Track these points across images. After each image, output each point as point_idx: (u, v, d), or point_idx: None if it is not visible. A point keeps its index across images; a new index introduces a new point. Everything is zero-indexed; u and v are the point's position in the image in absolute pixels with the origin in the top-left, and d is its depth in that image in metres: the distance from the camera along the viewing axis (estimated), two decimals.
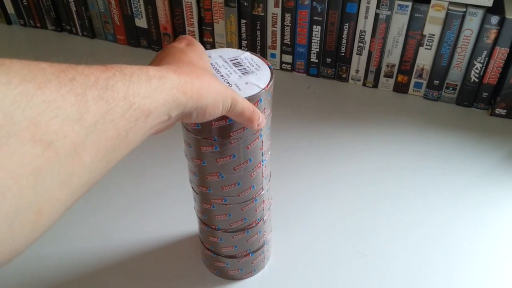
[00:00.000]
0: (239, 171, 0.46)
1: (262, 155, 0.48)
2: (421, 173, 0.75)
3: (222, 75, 0.42)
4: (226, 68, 0.43)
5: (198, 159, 0.46)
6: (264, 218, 0.55)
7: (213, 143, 0.44)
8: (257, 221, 0.54)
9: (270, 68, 0.44)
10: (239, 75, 0.42)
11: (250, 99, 0.40)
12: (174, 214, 0.68)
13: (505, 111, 0.86)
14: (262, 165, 0.49)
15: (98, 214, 0.69)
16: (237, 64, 0.44)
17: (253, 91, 0.41)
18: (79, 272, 0.61)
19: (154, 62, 0.35)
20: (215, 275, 0.60)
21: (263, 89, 0.41)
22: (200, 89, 0.32)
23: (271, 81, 0.43)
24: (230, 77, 0.42)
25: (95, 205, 0.70)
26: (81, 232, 0.66)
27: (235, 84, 0.41)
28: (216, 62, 0.43)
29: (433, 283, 0.59)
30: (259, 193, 0.51)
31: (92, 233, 0.66)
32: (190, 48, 0.38)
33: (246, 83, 0.41)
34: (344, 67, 0.95)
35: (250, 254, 0.57)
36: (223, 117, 0.40)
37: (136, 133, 0.27)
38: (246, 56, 0.45)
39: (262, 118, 0.41)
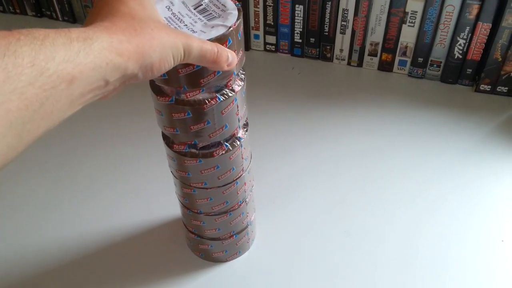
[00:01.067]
0: (215, 138, 0.46)
1: (239, 121, 0.47)
2: (406, 151, 0.76)
3: (186, 25, 0.39)
4: (190, 17, 0.40)
5: (171, 128, 0.45)
6: (247, 200, 0.55)
7: (185, 108, 0.43)
8: (239, 203, 0.54)
9: (237, 6, 0.41)
10: (204, 22, 0.40)
11: (217, 40, 0.37)
12: (157, 198, 0.68)
13: (489, 87, 0.86)
14: (241, 147, 0.48)
15: (83, 201, 0.69)
16: (202, 11, 0.41)
17: (219, 31, 0.38)
18: (64, 258, 0.61)
19: (90, 19, 0.31)
20: (200, 258, 0.60)
21: (230, 27, 0.39)
22: (139, 47, 0.29)
23: (239, 20, 0.40)
24: (195, 26, 0.39)
25: (79, 192, 0.70)
26: (66, 219, 0.66)
27: (201, 30, 0.39)
28: (179, 12, 0.41)
29: (418, 261, 0.60)
30: (239, 175, 0.51)
31: (77, 219, 0.66)
32: None
33: (212, 27, 0.39)
34: (328, 47, 0.94)
35: (234, 236, 0.57)
36: (189, 63, 0.38)
37: (57, 102, 0.24)
38: None
39: (232, 56, 0.37)
